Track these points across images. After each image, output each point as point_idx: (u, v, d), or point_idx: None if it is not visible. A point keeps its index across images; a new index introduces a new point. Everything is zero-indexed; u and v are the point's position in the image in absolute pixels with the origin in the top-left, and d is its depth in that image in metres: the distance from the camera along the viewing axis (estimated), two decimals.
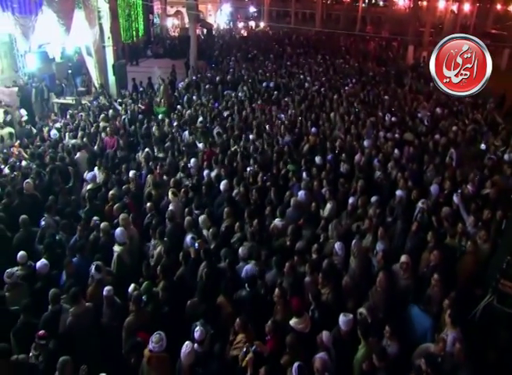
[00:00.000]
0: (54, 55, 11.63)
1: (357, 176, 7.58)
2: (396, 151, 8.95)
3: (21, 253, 5.23)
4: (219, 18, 37.25)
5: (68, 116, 11.03)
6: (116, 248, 5.52)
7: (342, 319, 4.29)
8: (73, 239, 5.75)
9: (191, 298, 4.76)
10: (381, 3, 45.20)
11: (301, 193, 6.98)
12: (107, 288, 4.56)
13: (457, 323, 4.29)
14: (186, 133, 9.94)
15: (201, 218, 6.01)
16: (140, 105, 11.60)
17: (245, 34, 32.60)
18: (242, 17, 37.75)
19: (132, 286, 4.82)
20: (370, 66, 20.01)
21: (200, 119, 10.96)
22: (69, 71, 13.11)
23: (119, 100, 12.03)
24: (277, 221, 6.20)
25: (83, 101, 12.33)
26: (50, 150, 8.41)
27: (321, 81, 15.34)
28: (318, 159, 8.29)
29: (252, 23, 36.96)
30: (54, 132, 9.42)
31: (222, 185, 6.95)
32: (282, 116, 11.17)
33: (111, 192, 6.78)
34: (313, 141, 9.51)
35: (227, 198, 6.52)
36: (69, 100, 12.81)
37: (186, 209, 6.25)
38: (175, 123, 10.27)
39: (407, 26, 33.15)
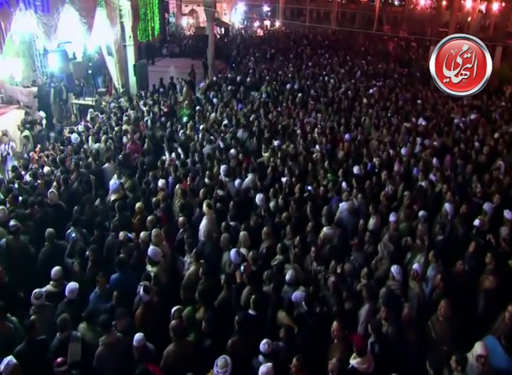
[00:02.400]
0: (76, 55, 11.18)
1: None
2: (434, 159, 8.41)
3: (56, 269, 4.84)
4: (234, 17, 36.76)
5: (88, 118, 10.58)
6: (151, 268, 5.06)
7: None
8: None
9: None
10: (396, 2, 44.21)
11: (343, 205, 6.50)
12: (137, 338, 3.95)
13: None
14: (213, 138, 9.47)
15: (241, 236, 5.53)
16: (162, 107, 11.14)
17: (261, 34, 32.09)
18: (257, 16, 37.20)
19: (172, 312, 4.36)
20: (392, 68, 19.36)
21: (225, 122, 10.52)
22: (90, 71, 12.70)
23: (142, 101, 11.54)
24: (326, 230, 5.77)
25: (103, 103, 11.90)
26: (73, 156, 7.95)
27: (347, 83, 14.78)
28: (356, 169, 7.75)
29: (267, 23, 36.41)
30: (75, 136, 8.97)
31: (259, 199, 6.43)
32: (312, 119, 10.65)
33: (138, 204, 6.29)
34: (347, 148, 8.99)
35: (265, 214, 6.04)
36: (88, 101, 12.40)
37: (223, 224, 5.76)
38: (201, 127, 9.79)
39: (425, 26, 32.57)
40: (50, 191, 6.40)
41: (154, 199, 6.41)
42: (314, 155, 8.45)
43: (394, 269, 5.04)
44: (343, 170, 7.56)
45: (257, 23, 35.70)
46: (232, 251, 5.06)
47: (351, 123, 10.61)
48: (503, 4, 26.44)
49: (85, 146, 8.67)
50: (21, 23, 8.99)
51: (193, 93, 13.02)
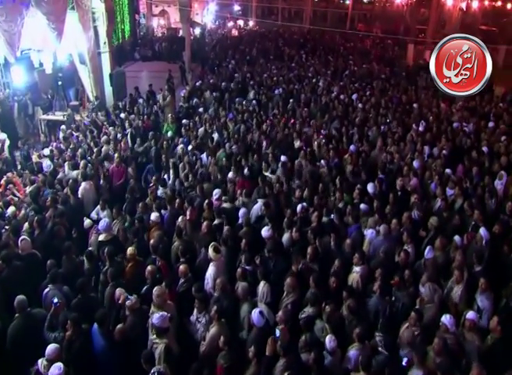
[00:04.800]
0: (45, 66, 9.74)
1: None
2: (448, 171, 7.77)
3: (53, 346, 3.78)
4: (206, 17, 35.56)
5: (61, 138, 9.21)
6: (158, 340, 4.03)
7: None
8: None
9: None
10: (365, 0, 44.08)
11: (372, 232, 5.72)
12: None
13: None
14: (204, 156, 8.47)
15: (262, 290, 4.61)
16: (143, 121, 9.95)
17: (236, 34, 31.09)
18: (230, 15, 36.12)
19: None
20: (374, 67, 18.78)
21: (216, 136, 9.51)
22: (60, 82, 11.24)
23: (122, 115, 10.19)
24: (360, 269, 5.01)
25: (77, 118, 10.53)
26: (47, 189, 6.68)
27: (338, 85, 14.04)
28: (371, 187, 6.96)
29: (241, 22, 35.45)
30: (47, 163, 7.57)
31: (265, 232, 5.47)
32: (310, 130, 9.79)
33: (130, 249, 5.21)
34: (354, 160, 8.20)
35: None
36: (59, 116, 10.89)
37: (239, 271, 4.81)
38: (190, 147, 8.71)
39: (398, 23, 32.40)
40: (21, 238, 5.21)
41: (151, 242, 5.33)
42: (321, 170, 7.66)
43: (447, 319, 4.28)
44: (359, 191, 6.77)
45: (230, 23, 34.66)
46: (255, 313, 4.13)
47: (351, 132, 9.85)
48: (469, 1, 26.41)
49: (61, 174, 7.33)
50: None
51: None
